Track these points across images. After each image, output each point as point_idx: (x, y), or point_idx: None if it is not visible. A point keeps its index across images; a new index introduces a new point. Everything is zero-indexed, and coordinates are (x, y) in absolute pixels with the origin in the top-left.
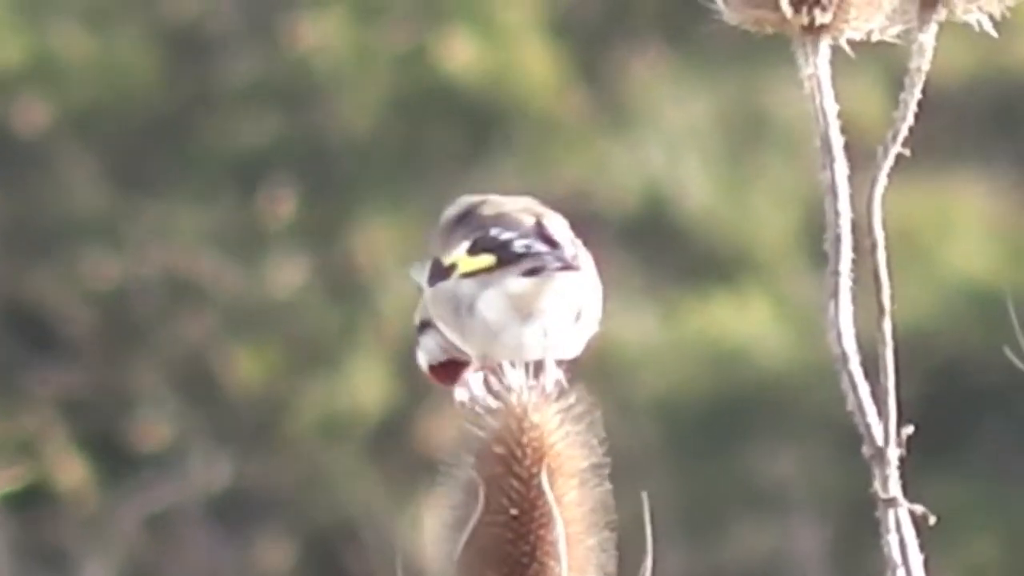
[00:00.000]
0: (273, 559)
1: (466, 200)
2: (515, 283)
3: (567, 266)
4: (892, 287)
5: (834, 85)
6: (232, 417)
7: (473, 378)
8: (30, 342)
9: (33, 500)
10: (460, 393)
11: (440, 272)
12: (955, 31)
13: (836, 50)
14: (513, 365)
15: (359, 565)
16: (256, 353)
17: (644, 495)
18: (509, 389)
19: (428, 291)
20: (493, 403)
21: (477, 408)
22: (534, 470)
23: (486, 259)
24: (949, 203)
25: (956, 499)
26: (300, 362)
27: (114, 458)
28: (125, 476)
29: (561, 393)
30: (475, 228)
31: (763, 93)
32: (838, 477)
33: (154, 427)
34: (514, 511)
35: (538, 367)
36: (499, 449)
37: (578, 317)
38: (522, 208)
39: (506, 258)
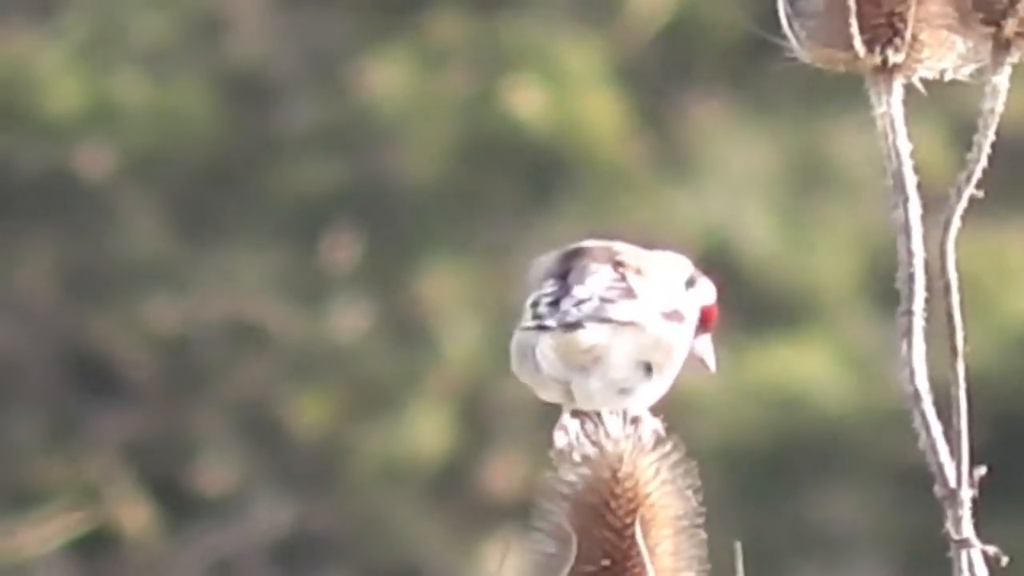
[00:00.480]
0: None
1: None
2: (547, 340)
3: (569, 324)
4: (965, 331)
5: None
6: (295, 462)
7: (570, 424)
8: (93, 387)
9: (97, 545)
10: (559, 439)
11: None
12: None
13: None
14: (599, 415)
15: None
16: (319, 398)
17: (737, 545)
18: (606, 437)
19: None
20: (590, 450)
21: (574, 455)
22: (628, 520)
23: (530, 315)
24: (1009, 247)
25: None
26: (363, 407)
27: (177, 503)
28: (188, 520)
29: (657, 442)
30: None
31: (824, 139)
32: (900, 521)
33: (217, 472)
34: (606, 562)
35: (635, 417)
36: (592, 499)
37: (639, 367)
38: (606, 256)
39: (536, 316)
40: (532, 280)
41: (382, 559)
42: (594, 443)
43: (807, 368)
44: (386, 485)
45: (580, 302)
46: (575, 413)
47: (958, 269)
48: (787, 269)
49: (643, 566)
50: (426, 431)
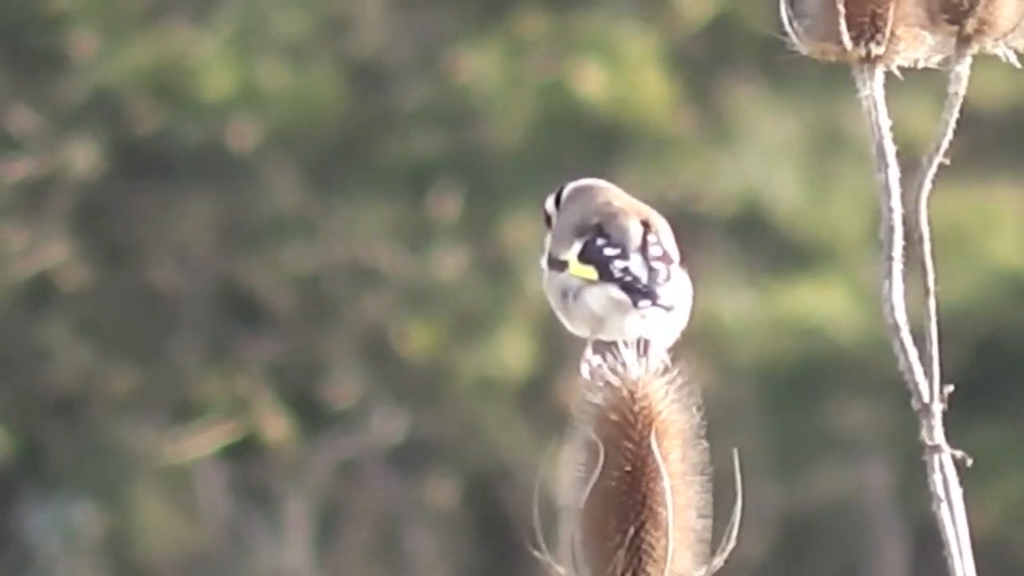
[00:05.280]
0: (440, 497)
1: (586, 181)
2: (614, 291)
3: (652, 301)
4: (939, 273)
5: (892, 106)
6: (406, 379)
7: (593, 357)
8: (242, 318)
9: (245, 450)
10: (583, 369)
11: (555, 263)
12: (995, 60)
13: (892, 76)
14: (625, 345)
15: (512, 502)
16: (425, 326)
17: (735, 451)
18: (623, 366)
19: (545, 274)
20: (611, 377)
21: (597, 381)
22: (644, 433)
23: (590, 271)
24: (989, 204)
25: (992, 445)
26: (461, 333)
27: (311, 414)
28: (320, 429)
29: (666, 368)
30: (587, 217)
31: (840, 113)
32: (900, 426)
33: (343, 388)
34: (628, 467)
35: (646, 348)
36: (615, 416)
37: (671, 310)
38: (633, 211)
39: (606, 275)
40: (551, 215)
41: (478, 459)
42: (614, 371)
43: (825, 303)
44: (481, 398)
45: (654, 274)
46: (596, 348)
47: (940, 222)
48: (809, 221)
49: (658, 471)
50: (513, 353)
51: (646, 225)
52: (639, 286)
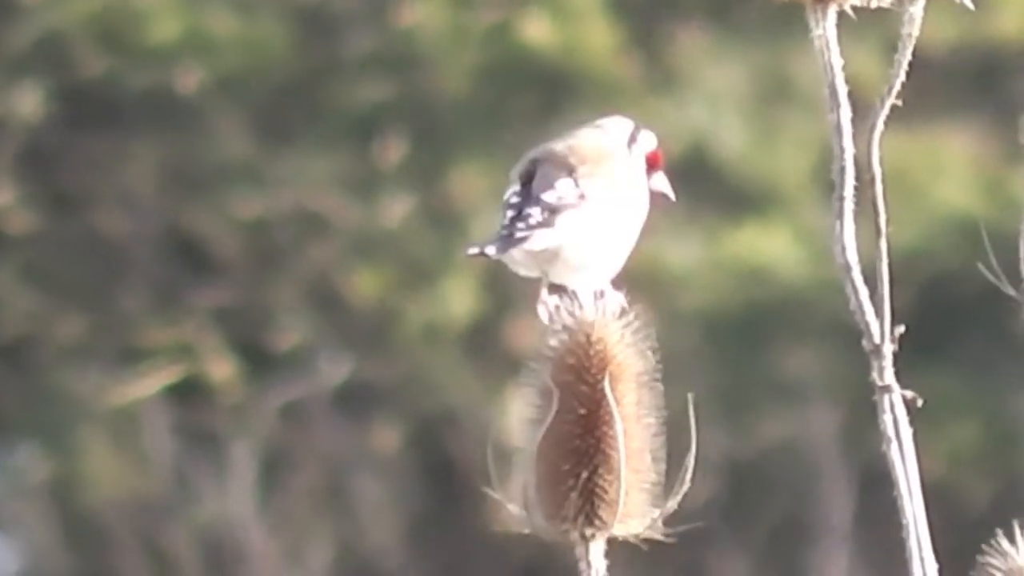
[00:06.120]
0: (386, 442)
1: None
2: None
3: (498, 247)
4: (889, 214)
5: (842, 49)
6: (352, 325)
7: (550, 299)
8: (190, 264)
9: (191, 392)
10: (541, 311)
11: None
12: (944, 3)
13: (845, 18)
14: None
15: (458, 447)
16: (372, 273)
17: (690, 397)
18: (580, 309)
19: None
20: (568, 320)
21: (554, 324)
22: (599, 377)
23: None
24: (939, 147)
25: (941, 388)
26: (407, 280)
27: (256, 358)
28: (265, 373)
29: (622, 312)
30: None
31: (786, 59)
32: (846, 371)
33: (289, 333)
34: (582, 411)
35: (603, 292)
36: (571, 360)
37: (591, 252)
38: (557, 157)
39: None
40: (511, 176)
41: (423, 404)
42: (571, 314)
43: (770, 246)
44: (427, 344)
45: (529, 215)
46: (551, 289)
47: (890, 166)
48: (754, 165)
49: (612, 414)
50: (458, 299)
51: (531, 170)
52: (499, 232)
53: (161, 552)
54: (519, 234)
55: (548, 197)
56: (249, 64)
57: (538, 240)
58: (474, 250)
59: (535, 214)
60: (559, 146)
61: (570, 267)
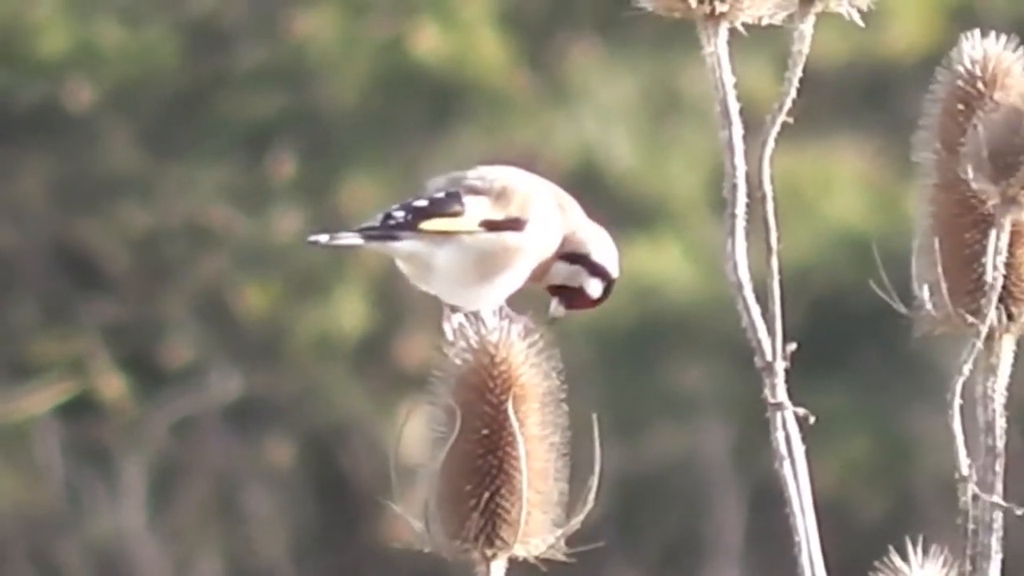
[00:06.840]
0: (277, 456)
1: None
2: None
3: (369, 236)
4: (780, 232)
5: (734, 66)
6: (243, 340)
7: (454, 317)
8: (78, 279)
9: (81, 409)
10: (447, 329)
11: None
12: (834, 21)
13: (736, 35)
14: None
15: (348, 461)
16: (262, 287)
17: (594, 416)
18: (484, 329)
19: None
20: (472, 339)
21: (460, 344)
22: (503, 398)
23: None
24: (829, 164)
25: (833, 405)
26: (298, 294)
27: (147, 374)
28: (156, 389)
29: (527, 333)
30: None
31: (677, 74)
32: (738, 387)
33: (179, 349)
34: (485, 431)
35: (507, 313)
36: (474, 379)
37: (469, 272)
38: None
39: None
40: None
41: (315, 419)
42: (475, 334)
43: (661, 263)
44: (318, 358)
45: (393, 216)
46: (455, 309)
47: (780, 182)
48: (645, 181)
49: (514, 435)
50: (349, 314)
51: (443, 188)
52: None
53: (53, 567)
54: (374, 233)
55: (418, 203)
56: (138, 77)
57: (399, 245)
58: (314, 239)
59: (398, 216)
60: (488, 179)
61: (446, 283)
